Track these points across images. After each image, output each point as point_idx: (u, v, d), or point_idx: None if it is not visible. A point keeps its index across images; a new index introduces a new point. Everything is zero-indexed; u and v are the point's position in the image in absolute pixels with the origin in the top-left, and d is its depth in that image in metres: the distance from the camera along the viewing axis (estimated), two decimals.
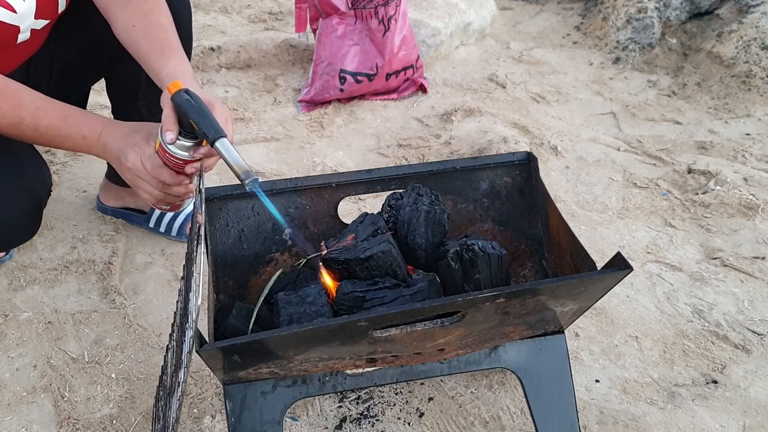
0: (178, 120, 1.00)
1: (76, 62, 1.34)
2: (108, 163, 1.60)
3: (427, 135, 2.12)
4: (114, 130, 1.06)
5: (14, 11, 1.07)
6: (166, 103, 1.01)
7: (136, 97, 1.40)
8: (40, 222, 1.23)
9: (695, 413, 1.28)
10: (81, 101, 1.48)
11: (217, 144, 0.95)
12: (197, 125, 0.96)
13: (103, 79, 1.46)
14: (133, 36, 1.12)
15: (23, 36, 1.15)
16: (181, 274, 0.97)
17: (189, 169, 1.05)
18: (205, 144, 1.01)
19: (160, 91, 1.40)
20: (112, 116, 1.52)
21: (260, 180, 1.01)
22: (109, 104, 1.50)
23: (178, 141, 1.00)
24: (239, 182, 0.95)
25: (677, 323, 1.48)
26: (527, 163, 1.23)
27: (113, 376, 1.31)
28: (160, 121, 1.47)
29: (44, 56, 1.29)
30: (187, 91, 0.99)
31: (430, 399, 1.29)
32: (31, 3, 1.10)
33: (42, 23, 1.17)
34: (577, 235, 1.06)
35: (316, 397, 1.27)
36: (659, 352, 1.41)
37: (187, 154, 1.02)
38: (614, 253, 0.93)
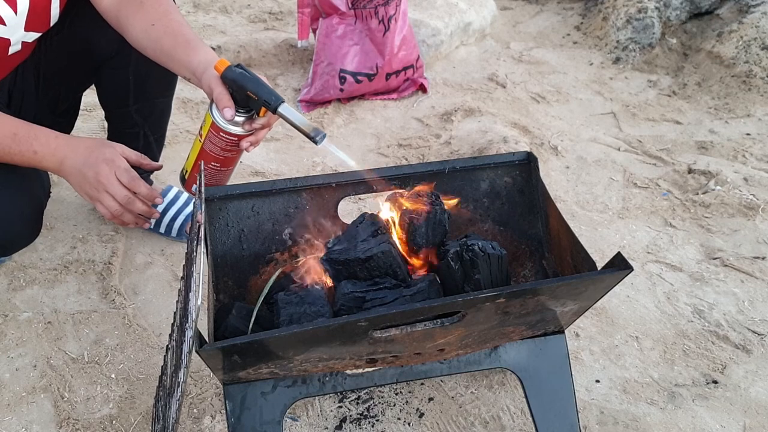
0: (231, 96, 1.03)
1: (63, 68, 1.34)
2: None
3: (427, 135, 2.12)
4: (74, 145, 1.08)
5: (3, 23, 1.07)
6: (215, 82, 1.03)
7: (126, 103, 1.40)
8: (41, 225, 1.23)
9: (695, 413, 1.28)
10: (72, 108, 1.48)
11: (280, 109, 1.01)
12: (257, 95, 1.00)
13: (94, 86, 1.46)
14: (154, 35, 1.13)
15: (14, 48, 1.15)
16: (181, 274, 0.97)
17: (243, 143, 1.07)
18: (262, 114, 1.04)
19: (150, 96, 1.41)
20: (105, 122, 1.52)
21: (260, 180, 1.02)
22: None
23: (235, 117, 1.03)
24: (309, 140, 1.01)
25: (677, 323, 1.48)
26: (527, 163, 1.23)
27: (113, 376, 1.31)
28: (153, 124, 1.48)
29: (30, 63, 1.29)
30: (239, 65, 1.02)
31: (430, 399, 1.28)
32: (22, 15, 1.10)
33: (34, 36, 1.17)
34: (577, 235, 1.06)
35: (316, 398, 1.27)
36: (659, 352, 1.41)
37: (241, 129, 1.05)
38: (614, 253, 0.93)
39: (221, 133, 1.04)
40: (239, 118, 1.03)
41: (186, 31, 1.13)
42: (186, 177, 1.16)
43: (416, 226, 1.10)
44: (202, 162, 1.10)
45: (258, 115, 1.04)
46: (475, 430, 1.24)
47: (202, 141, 1.08)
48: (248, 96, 1.00)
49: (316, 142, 1.00)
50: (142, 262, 1.59)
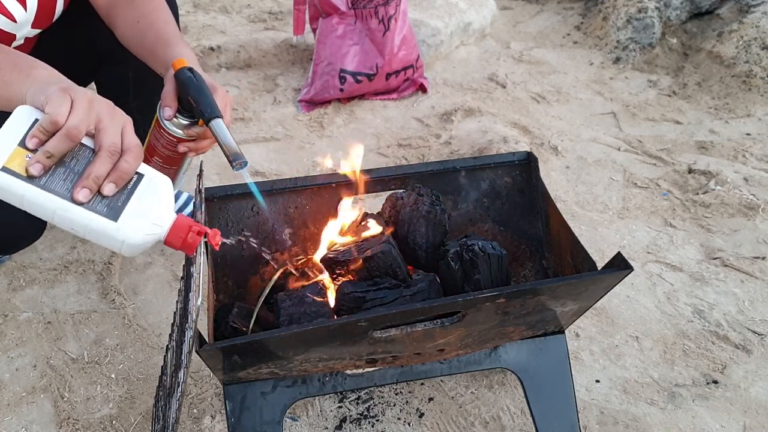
0: (178, 97, 1.01)
1: (63, 64, 1.34)
2: None
3: (427, 135, 2.12)
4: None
5: (14, 20, 1.08)
6: (168, 79, 1.02)
7: (126, 99, 1.40)
8: (46, 224, 1.23)
9: (696, 413, 1.28)
10: None
11: (212, 123, 0.96)
12: (195, 103, 0.97)
13: (94, 84, 1.46)
14: (138, 30, 1.13)
15: (17, 43, 1.16)
16: (181, 275, 0.97)
17: (181, 147, 1.05)
18: (201, 124, 1.01)
19: (150, 93, 1.40)
20: None
21: (260, 180, 1.01)
22: None
23: (174, 118, 1.00)
24: (229, 163, 0.96)
25: (677, 323, 1.48)
26: (527, 163, 1.22)
27: (113, 376, 1.31)
28: (152, 122, 1.48)
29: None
30: (190, 69, 1.00)
31: (430, 399, 1.28)
32: (31, 13, 1.10)
33: (36, 32, 1.18)
34: (577, 235, 1.06)
35: (316, 398, 1.27)
36: (659, 352, 1.41)
37: (181, 132, 1.03)
38: (614, 253, 0.93)
39: (161, 130, 1.03)
40: (182, 121, 1.02)
41: (169, 28, 1.13)
42: None
43: (416, 226, 1.10)
44: (146, 158, 1.09)
45: (198, 124, 1.03)
46: (475, 430, 1.24)
47: (150, 133, 1.08)
48: (190, 102, 0.99)
49: (233, 168, 0.95)
50: (142, 262, 1.59)
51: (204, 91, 0.98)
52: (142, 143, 1.56)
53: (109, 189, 0.78)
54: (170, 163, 1.09)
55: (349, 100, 2.27)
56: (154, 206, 0.80)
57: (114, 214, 0.77)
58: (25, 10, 1.09)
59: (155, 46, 1.11)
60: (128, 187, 0.79)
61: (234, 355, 0.88)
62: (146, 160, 1.10)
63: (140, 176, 0.81)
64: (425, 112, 2.26)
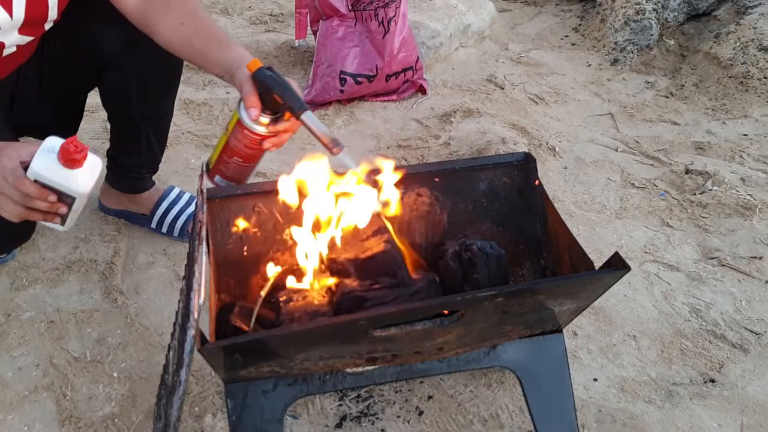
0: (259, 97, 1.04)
1: (65, 71, 1.35)
2: (107, 167, 1.60)
3: (426, 136, 2.13)
4: None
5: None
6: (245, 81, 1.04)
7: (129, 105, 1.40)
8: (35, 226, 1.24)
9: (693, 412, 1.29)
10: (75, 111, 1.48)
11: (303, 117, 1.02)
12: (283, 99, 1.02)
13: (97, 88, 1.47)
14: (184, 34, 1.13)
15: (9, 50, 1.16)
16: (183, 274, 0.98)
17: (266, 144, 1.09)
18: (287, 117, 1.06)
19: (153, 99, 1.41)
20: (108, 123, 1.53)
21: (262, 180, 1.03)
22: None
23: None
24: (327, 150, 1.02)
25: (675, 322, 1.49)
26: (526, 164, 1.23)
27: (115, 375, 1.32)
28: (155, 126, 1.49)
29: (33, 65, 1.30)
30: (270, 68, 1.04)
31: (430, 397, 1.29)
32: (18, 19, 1.10)
33: (28, 39, 1.17)
34: (575, 235, 1.07)
35: (317, 396, 1.28)
36: (657, 351, 1.42)
37: (265, 129, 1.07)
38: (612, 253, 0.94)
39: (245, 131, 1.06)
40: (264, 119, 1.05)
41: (216, 29, 1.14)
42: (210, 167, 1.18)
43: (416, 226, 1.11)
44: (223, 160, 1.14)
45: (282, 119, 1.06)
46: (474, 428, 1.25)
47: (227, 135, 1.11)
48: (274, 99, 1.02)
49: (333, 153, 1.01)
50: (145, 261, 1.60)
51: (288, 87, 1.03)
52: (149, 149, 1.56)
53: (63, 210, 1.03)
54: (250, 161, 1.13)
55: (349, 101, 2.28)
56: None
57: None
58: (11, 16, 1.08)
59: (209, 48, 1.11)
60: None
61: (235, 353, 0.89)
62: (224, 162, 1.14)
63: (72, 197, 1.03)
64: (425, 113, 2.27)
